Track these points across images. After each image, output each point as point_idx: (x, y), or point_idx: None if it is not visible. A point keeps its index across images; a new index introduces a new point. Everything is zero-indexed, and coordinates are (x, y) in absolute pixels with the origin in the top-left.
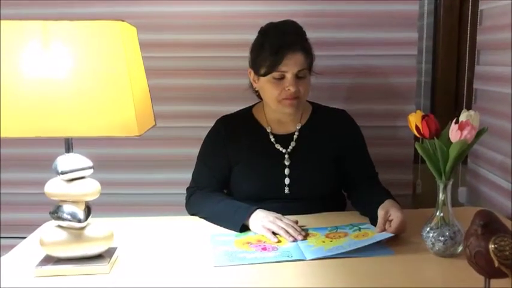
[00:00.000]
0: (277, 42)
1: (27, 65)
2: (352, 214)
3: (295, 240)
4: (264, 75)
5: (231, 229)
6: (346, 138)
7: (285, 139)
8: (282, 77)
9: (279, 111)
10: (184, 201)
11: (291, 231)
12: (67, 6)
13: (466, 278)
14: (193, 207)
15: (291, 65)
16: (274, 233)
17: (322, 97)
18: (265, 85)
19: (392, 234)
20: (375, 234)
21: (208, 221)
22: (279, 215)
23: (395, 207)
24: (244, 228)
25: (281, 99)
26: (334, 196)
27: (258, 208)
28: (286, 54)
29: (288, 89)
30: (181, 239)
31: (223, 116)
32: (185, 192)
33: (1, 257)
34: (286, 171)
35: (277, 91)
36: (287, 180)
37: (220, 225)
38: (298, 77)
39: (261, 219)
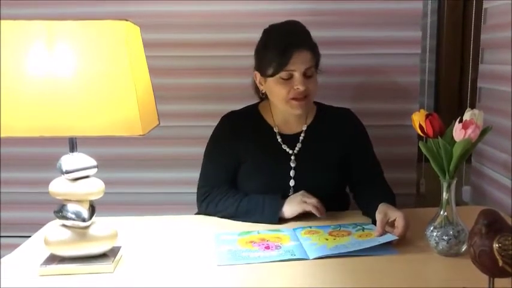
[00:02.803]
0: (284, 42)
1: (31, 64)
2: (355, 213)
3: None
4: (272, 75)
5: (266, 222)
6: (351, 137)
7: (291, 139)
8: (290, 77)
9: (287, 112)
10: (196, 201)
11: (319, 206)
12: (68, 6)
13: (470, 277)
14: (212, 208)
15: (298, 64)
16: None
17: (326, 96)
18: (273, 86)
19: (397, 238)
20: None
21: (234, 219)
22: (303, 193)
23: (392, 208)
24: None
25: (289, 99)
26: (339, 195)
27: (279, 195)
28: (294, 53)
29: (297, 88)
30: (184, 238)
31: (229, 113)
32: (189, 191)
33: (6, 256)
34: (292, 173)
35: (285, 91)
36: (292, 182)
37: (253, 221)
38: (306, 76)
39: (293, 203)
